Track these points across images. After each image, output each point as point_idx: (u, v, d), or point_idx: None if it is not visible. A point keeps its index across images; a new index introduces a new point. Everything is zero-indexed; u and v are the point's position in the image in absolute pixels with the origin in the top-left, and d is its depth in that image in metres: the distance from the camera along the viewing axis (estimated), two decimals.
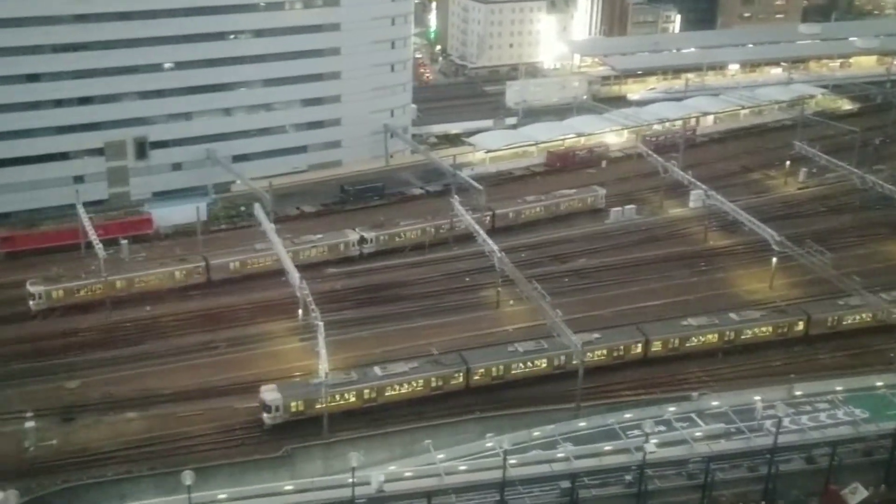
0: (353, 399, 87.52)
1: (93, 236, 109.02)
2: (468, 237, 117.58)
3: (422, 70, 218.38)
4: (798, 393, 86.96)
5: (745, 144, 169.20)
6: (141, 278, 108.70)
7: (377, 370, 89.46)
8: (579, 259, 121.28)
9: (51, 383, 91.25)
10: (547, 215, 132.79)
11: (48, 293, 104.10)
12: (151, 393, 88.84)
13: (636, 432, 76.90)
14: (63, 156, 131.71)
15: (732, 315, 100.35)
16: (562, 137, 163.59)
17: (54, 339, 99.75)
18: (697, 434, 78.07)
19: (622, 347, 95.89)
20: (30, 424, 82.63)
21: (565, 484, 70.99)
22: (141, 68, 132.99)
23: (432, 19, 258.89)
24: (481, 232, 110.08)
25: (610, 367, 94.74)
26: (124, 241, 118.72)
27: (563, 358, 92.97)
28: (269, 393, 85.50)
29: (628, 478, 72.48)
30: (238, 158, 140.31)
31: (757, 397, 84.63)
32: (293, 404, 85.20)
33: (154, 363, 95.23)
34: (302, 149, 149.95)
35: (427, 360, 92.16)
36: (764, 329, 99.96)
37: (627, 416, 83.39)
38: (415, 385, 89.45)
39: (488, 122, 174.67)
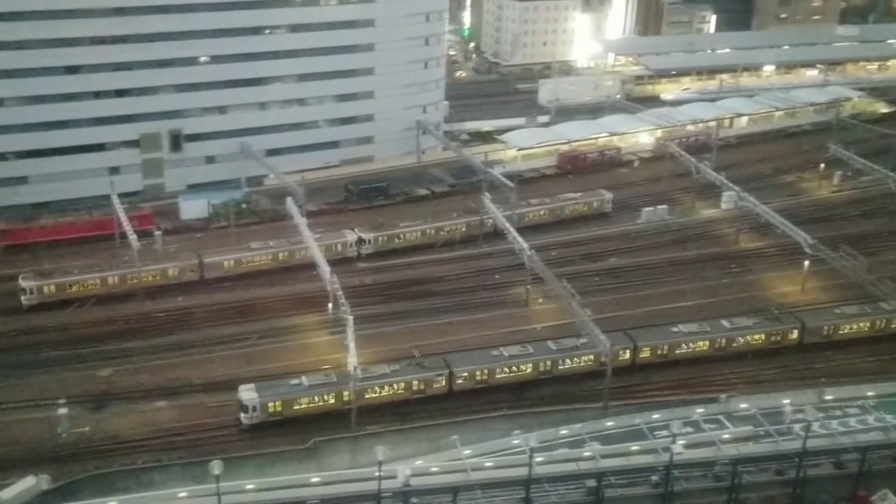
0: (332, 401, 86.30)
1: (127, 228, 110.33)
2: (473, 239, 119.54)
3: (455, 67, 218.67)
4: (828, 397, 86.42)
5: (780, 146, 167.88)
6: (134, 275, 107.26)
7: (357, 372, 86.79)
8: (610, 258, 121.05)
9: (83, 371, 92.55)
10: (551, 219, 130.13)
11: (39, 288, 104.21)
12: (182, 383, 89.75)
13: (663, 433, 76.60)
14: (99, 147, 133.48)
15: (724, 322, 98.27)
16: (594, 136, 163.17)
17: (87, 328, 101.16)
18: (725, 436, 77.89)
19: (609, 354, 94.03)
20: (62, 411, 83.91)
21: (591, 483, 71.08)
22: (177, 61, 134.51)
23: (466, 17, 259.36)
24: (511, 229, 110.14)
25: (598, 373, 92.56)
26: (158, 233, 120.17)
27: (548, 363, 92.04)
28: (247, 393, 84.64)
29: (655, 478, 72.41)
30: (271, 152, 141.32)
31: (786, 400, 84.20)
32: (270, 405, 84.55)
33: (185, 353, 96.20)
34: (334, 144, 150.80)
35: (410, 362, 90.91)
36: (756, 337, 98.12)
37: (655, 416, 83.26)
38: (396, 388, 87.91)
39: (521, 120, 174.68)
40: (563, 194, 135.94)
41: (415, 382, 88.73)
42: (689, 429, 78.38)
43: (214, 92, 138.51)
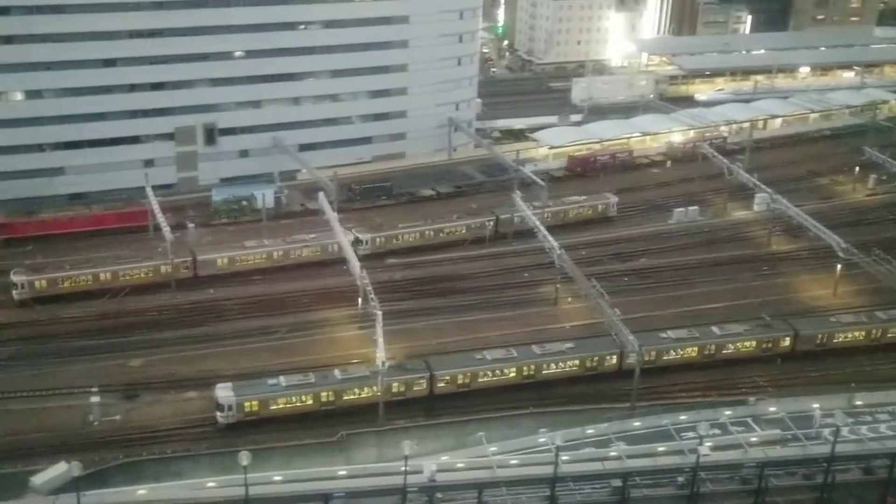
0: (310, 402, 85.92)
1: (161, 219, 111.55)
2: (478, 240, 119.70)
3: (488, 65, 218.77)
4: (858, 402, 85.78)
5: (814, 149, 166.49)
6: (126, 271, 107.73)
7: (336, 373, 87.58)
8: (640, 258, 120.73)
9: (116, 360, 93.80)
10: (554, 222, 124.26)
11: (31, 283, 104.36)
12: (212, 374, 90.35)
13: (690, 434, 76.33)
14: (134, 139, 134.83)
15: (714, 329, 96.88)
16: (626, 136, 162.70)
17: (121, 318, 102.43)
18: (753, 439, 77.76)
19: (596, 359, 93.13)
20: (94, 399, 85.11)
21: (616, 482, 71.13)
22: (212, 56, 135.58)
23: (500, 14, 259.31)
24: (542, 228, 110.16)
25: (583, 378, 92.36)
26: (191, 225, 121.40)
27: (532, 367, 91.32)
28: (223, 391, 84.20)
29: (681, 479, 72.34)
30: (304, 147, 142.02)
31: (815, 405, 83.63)
32: (247, 404, 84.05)
33: (216, 345, 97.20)
34: (367, 140, 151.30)
35: (391, 366, 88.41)
36: (747, 344, 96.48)
37: (682, 417, 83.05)
38: (375, 390, 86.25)
39: (553, 119, 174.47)
40: (568, 197, 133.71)
41: (394, 385, 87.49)
42: (717, 431, 78.14)
43: (249, 86, 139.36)
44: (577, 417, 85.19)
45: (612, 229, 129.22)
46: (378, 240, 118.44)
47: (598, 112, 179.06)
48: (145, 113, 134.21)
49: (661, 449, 75.04)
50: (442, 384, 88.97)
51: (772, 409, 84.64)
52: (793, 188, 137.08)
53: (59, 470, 72.76)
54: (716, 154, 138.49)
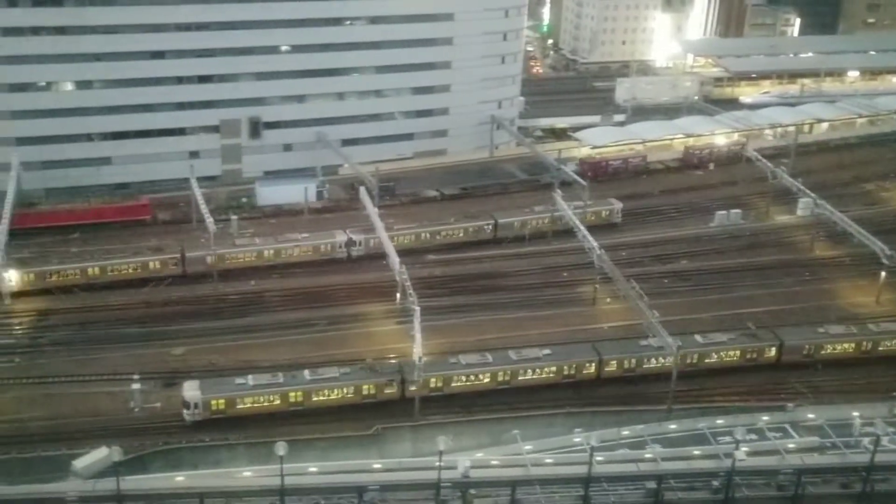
0: (277, 402, 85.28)
1: (205, 211, 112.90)
2: (474, 243, 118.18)
3: (532, 63, 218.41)
4: None
5: (860, 154, 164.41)
6: (114, 267, 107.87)
7: (306, 373, 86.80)
8: (681, 261, 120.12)
9: (158, 349, 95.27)
10: (555, 228, 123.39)
11: (20, 278, 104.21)
12: (251, 364, 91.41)
13: (727, 439, 76.18)
14: (181, 131, 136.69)
15: (697, 337, 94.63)
16: (669, 137, 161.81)
17: (164, 307, 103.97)
18: (790, 445, 77.18)
19: (574, 366, 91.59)
20: (136, 386, 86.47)
21: (651, 485, 70.93)
22: (258, 50, 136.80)
23: (546, 13, 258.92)
24: (582, 228, 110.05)
25: (559, 385, 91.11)
26: (234, 217, 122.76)
27: (508, 373, 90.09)
28: (190, 390, 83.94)
29: (716, 484, 71.93)
30: (347, 142, 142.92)
31: (855, 413, 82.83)
32: (213, 402, 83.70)
33: (256, 336, 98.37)
34: (409, 136, 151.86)
35: (362, 367, 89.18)
36: (731, 353, 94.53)
37: (719, 421, 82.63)
38: (345, 392, 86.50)
39: (596, 118, 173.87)
40: (572, 202, 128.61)
41: (365, 387, 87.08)
42: (753, 436, 77.99)
43: (293, 81, 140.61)
44: (613, 418, 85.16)
45: (651, 231, 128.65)
46: (372, 241, 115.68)
47: (642, 113, 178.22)
48: (192, 105, 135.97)
49: (696, 452, 74.80)
50: (414, 388, 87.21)
51: (810, 415, 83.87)
52: (837, 193, 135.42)
53: (100, 455, 73.96)
54: (760, 157, 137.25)
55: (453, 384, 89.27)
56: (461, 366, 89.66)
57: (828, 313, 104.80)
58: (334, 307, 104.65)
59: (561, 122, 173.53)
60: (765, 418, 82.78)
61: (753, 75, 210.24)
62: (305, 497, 67.08)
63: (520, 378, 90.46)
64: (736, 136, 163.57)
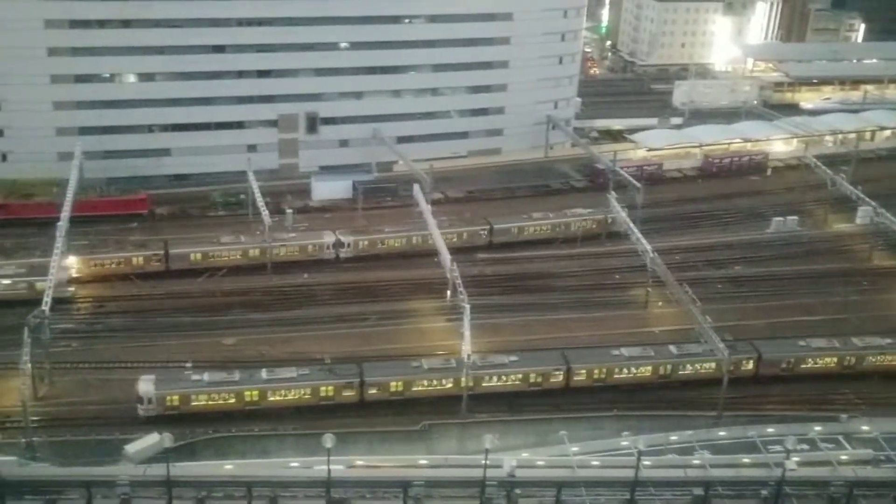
0: (232, 400, 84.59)
1: (261, 204, 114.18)
2: (461, 250, 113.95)
3: (589, 64, 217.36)
4: None
5: None
6: (97, 262, 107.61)
7: (263, 373, 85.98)
8: (735, 266, 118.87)
9: (211, 338, 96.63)
10: (554, 235, 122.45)
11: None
12: (301, 356, 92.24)
13: (777, 448, 75.12)
14: (239, 125, 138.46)
15: (672, 348, 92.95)
16: (726, 141, 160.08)
17: (218, 297, 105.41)
18: (843, 457, 75.75)
19: (540, 375, 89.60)
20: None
21: (698, 491, 70.02)
22: (318, 46, 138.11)
23: (604, 14, 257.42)
24: (635, 230, 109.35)
25: (527, 393, 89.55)
26: (289, 211, 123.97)
27: (472, 380, 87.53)
28: (144, 384, 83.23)
29: (765, 493, 70.82)
30: (402, 139, 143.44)
31: None
32: (168, 398, 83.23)
33: (307, 328, 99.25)
34: (464, 135, 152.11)
35: (320, 367, 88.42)
36: (706, 365, 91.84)
37: (770, 430, 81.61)
38: (302, 393, 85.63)
39: (653, 121, 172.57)
40: (572, 209, 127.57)
41: (322, 389, 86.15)
42: (805, 446, 76.62)
43: (351, 77, 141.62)
44: (662, 423, 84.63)
45: (706, 235, 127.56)
46: (361, 243, 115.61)
47: (700, 116, 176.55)
48: (251, 99, 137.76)
49: (746, 460, 73.96)
50: (374, 391, 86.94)
51: (864, 427, 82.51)
52: None
53: (152, 440, 75.34)
54: (818, 164, 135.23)
55: (414, 388, 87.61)
56: (423, 370, 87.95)
57: (883, 324, 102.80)
58: (385, 302, 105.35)
59: (617, 124, 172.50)
60: (817, 429, 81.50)
61: (815, 81, 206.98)
62: (351, 490, 67.52)
63: (483, 385, 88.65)
64: (795, 143, 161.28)
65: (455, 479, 68.45)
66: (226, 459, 75.92)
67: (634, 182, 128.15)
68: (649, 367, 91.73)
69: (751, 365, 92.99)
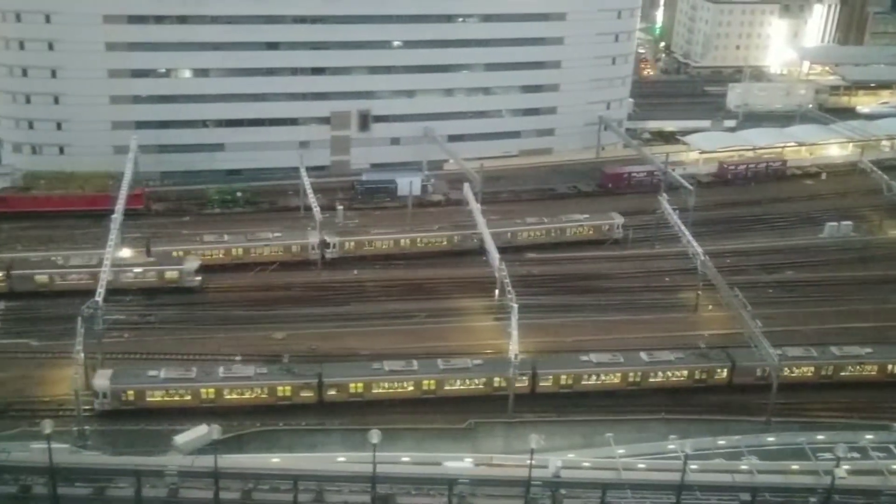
0: (188, 397, 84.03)
1: (312, 199, 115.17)
2: (458, 253, 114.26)
3: (643, 65, 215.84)
4: None
5: None
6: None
7: (220, 370, 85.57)
8: (787, 271, 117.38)
9: (261, 332, 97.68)
10: (549, 240, 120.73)
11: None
12: (350, 352, 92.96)
13: (827, 455, 73.98)
14: (292, 121, 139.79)
15: (643, 355, 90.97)
16: (780, 144, 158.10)
17: (268, 292, 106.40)
18: (894, 466, 74.44)
19: (504, 380, 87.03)
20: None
21: (745, 496, 69.50)
22: (371, 44, 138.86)
23: (659, 15, 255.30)
24: (686, 233, 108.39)
25: (489, 397, 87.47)
26: (340, 207, 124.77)
27: (433, 383, 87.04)
28: (100, 379, 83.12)
29: (813, 500, 70.03)
30: (453, 138, 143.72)
31: None
32: (124, 393, 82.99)
33: (356, 324, 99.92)
34: (515, 134, 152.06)
35: (280, 367, 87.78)
36: (678, 374, 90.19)
37: (820, 437, 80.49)
38: (259, 392, 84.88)
39: (706, 123, 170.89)
40: (570, 215, 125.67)
41: (280, 389, 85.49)
42: (856, 454, 75.50)
43: (404, 76, 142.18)
44: (709, 427, 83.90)
45: (757, 239, 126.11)
46: (347, 244, 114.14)
47: (753, 119, 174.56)
48: (304, 96, 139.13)
49: (794, 467, 72.98)
50: (333, 392, 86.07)
51: None
52: None
53: (200, 432, 76.08)
54: (874, 169, 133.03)
55: (374, 391, 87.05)
56: (384, 372, 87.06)
57: None
58: (433, 300, 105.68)
59: (670, 126, 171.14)
60: (868, 437, 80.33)
61: (872, 85, 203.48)
62: (396, 486, 67.84)
63: (446, 388, 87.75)
64: (851, 147, 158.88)
65: (500, 477, 68.61)
66: (273, 452, 76.63)
67: (686, 184, 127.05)
68: (618, 376, 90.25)
69: (724, 374, 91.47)
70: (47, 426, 60.38)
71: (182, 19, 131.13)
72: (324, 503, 66.61)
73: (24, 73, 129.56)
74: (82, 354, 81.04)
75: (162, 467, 67.19)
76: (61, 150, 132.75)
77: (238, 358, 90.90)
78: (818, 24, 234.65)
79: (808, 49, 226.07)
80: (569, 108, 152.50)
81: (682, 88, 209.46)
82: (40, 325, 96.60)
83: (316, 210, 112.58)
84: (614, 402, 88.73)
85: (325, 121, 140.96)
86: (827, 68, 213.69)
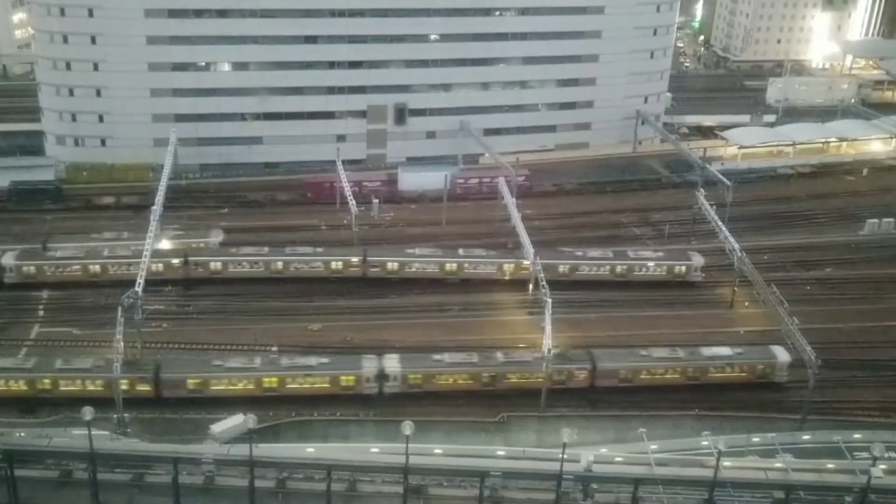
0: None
1: (348, 194, 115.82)
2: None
3: (681, 59, 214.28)
4: None
5: None
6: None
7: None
8: (826, 268, 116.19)
9: (297, 323, 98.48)
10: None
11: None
12: (384, 344, 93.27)
13: (863, 454, 73.28)
14: (329, 115, 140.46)
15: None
16: (821, 140, 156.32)
17: (305, 284, 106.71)
18: None
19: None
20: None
21: (779, 494, 69.02)
22: (408, 38, 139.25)
23: (698, 9, 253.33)
24: (723, 228, 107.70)
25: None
26: (375, 201, 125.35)
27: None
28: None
29: (848, 499, 69.38)
30: (489, 132, 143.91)
31: None
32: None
33: (391, 317, 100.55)
34: (551, 128, 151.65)
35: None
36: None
37: (856, 436, 79.71)
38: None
39: (745, 118, 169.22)
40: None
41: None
42: (893, 454, 74.72)
43: (441, 69, 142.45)
44: (743, 424, 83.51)
45: (796, 235, 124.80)
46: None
47: (794, 114, 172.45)
48: (341, 90, 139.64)
49: (830, 465, 72.40)
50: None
51: None
52: None
53: (236, 421, 77.13)
54: None
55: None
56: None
57: None
58: (468, 294, 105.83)
59: (708, 121, 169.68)
60: None
61: None
62: (429, 477, 68.27)
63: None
64: (894, 143, 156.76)
65: (532, 471, 68.63)
66: (307, 442, 77.38)
67: (724, 180, 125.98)
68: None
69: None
70: (88, 413, 61.41)
71: (221, 13, 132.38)
72: (356, 493, 67.30)
73: (68, 66, 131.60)
74: (122, 343, 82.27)
75: (199, 455, 68.10)
76: (103, 142, 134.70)
77: (274, 348, 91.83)
78: (862, 17, 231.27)
79: (852, 43, 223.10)
80: (606, 103, 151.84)
81: (721, 83, 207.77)
82: (82, 314, 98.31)
83: (352, 203, 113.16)
84: (676, 397, 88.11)
85: (361, 114, 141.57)
86: (871, 62, 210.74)
